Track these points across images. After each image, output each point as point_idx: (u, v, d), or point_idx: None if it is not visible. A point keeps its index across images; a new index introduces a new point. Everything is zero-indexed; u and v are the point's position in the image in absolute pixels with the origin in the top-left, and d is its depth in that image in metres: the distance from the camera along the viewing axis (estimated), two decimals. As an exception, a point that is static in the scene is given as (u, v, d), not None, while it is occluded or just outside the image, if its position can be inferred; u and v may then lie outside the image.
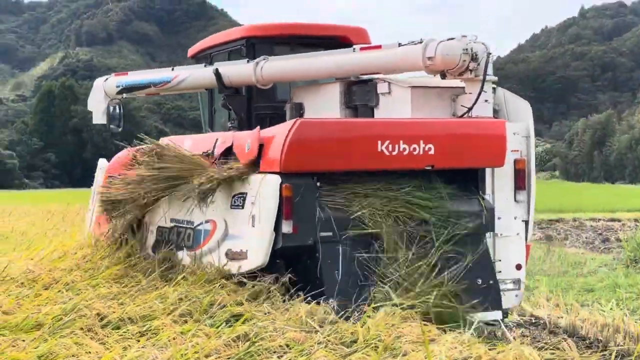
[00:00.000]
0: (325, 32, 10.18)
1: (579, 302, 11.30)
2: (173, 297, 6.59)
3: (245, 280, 7.21)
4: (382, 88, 8.56)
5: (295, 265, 7.30)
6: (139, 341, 5.55)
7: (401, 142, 7.39)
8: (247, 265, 7.23)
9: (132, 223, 8.98)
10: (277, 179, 7.08)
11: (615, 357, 7.99)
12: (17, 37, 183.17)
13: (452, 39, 7.93)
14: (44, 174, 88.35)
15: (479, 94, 7.96)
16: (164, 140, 9.30)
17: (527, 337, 9.19)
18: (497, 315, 7.69)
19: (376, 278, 7.11)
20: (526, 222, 8.37)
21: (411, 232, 7.35)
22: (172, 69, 10.42)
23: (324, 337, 5.70)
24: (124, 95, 11.14)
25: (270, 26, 10.44)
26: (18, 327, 5.74)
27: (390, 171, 7.59)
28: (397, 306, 6.52)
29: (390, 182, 7.60)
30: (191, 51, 11.26)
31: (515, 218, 8.28)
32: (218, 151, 7.95)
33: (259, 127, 7.73)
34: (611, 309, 10.80)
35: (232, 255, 7.42)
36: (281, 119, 9.22)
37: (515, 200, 8.25)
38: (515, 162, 8.21)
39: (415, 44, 8.02)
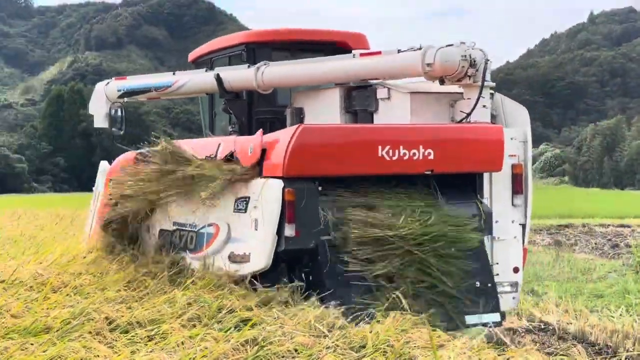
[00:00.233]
0: (324, 37, 10.33)
1: (588, 307, 11.28)
2: (182, 302, 6.60)
3: (255, 284, 7.28)
4: (381, 93, 8.67)
5: (296, 269, 7.41)
6: (147, 345, 5.55)
7: (401, 147, 7.52)
8: (250, 268, 7.35)
9: (135, 223, 9.07)
10: (280, 183, 7.20)
11: (625, 363, 7.97)
12: (27, 42, 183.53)
13: (450, 45, 8.05)
14: (53, 178, 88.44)
15: (477, 99, 8.10)
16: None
17: (537, 342, 9.16)
18: (495, 317, 7.77)
19: (379, 281, 7.18)
20: (523, 226, 8.53)
21: (411, 235, 7.41)
22: (174, 74, 10.56)
23: (333, 342, 5.69)
24: (125, 99, 11.22)
25: (270, 32, 10.65)
26: (27, 331, 5.74)
27: (390, 176, 7.70)
28: (405, 311, 6.56)
29: (391, 187, 7.71)
30: (191, 56, 11.40)
31: (512, 222, 8.45)
32: (221, 155, 8.03)
33: (261, 130, 7.81)
34: (621, 315, 10.78)
35: (234, 258, 7.53)
36: (282, 123, 9.36)
37: (512, 204, 8.42)
38: (513, 166, 8.39)
39: (414, 50, 8.15)
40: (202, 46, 11.26)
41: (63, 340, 5.47)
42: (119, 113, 11.09)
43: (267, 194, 7.25)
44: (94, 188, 11.33)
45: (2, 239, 15.84)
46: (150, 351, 5.38)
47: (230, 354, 5.36)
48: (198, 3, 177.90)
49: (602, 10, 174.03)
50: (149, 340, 5.70)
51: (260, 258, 7.26)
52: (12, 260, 9.20)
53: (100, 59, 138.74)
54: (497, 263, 8.28)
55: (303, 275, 7.39)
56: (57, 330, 5.73)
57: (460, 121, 8.26)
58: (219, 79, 9.60)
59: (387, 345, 5.66)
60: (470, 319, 7.51)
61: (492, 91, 8.44)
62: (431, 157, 7.64)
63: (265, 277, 7.33)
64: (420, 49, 8.10)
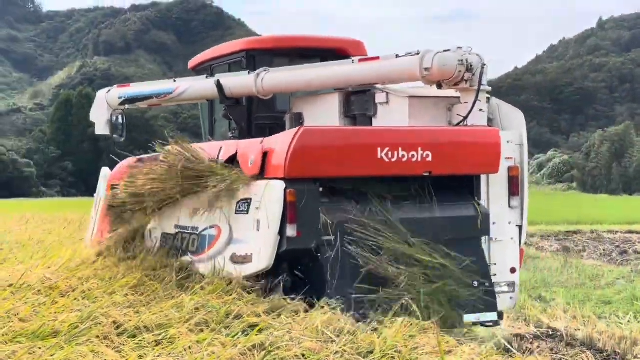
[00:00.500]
0: (323, 44, 10.52)
1: (596, 314, 11.26)
2: (189, 307, 6.60)
3: (259, 288, 7.38)
4: (380, 98, 8.84)
5: (297, 269, 7.53)
6: (154, 350, 5.55)
7: (400, 149, 7.65)
8: (252, 268, 7.46)
9: (140, 226, 9.15)
10: (281, 184, 7.33)
11: (633, 370, 7.96)
12: (36, 47, 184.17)
13: (447, 50, 8.22)
14: (61, 183, 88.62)
15: (474, 103, 8.28)
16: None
17: (545, 349, 9.15)
18: (492, 316, 7.94)
19: (380, 282, 7.29)
20: (520, 227, 8.68)
21: (411, 235, 7.59)
22: (174, 81, 10.72)
23: (340, 347, 5.69)
24: (127, 106, 11.37)
25: (269, 39, 10.95)
26: (35, 335, 5.74)
27: (389, 177, 7.83)
28: (413, 316, 6.63)
29: (390, 188, 7.85)
30: (191, 63, 11.56)
31: (509, 223, 8.60)
32: (223, 158, 8.21)
33: (262, 139, 7.92)
34: (629, 321, 10.76)
35: (237, 259, 7.63)
36: (281, 128, 9.43)
37: (509, 206, 8.57)
38: (509, 169, 8.54)
39: (412, 55, 8.31)
40: (201, 54, 11.43)
41: (71, 345, 5.47)
42: (120, 120, 11.26)
43: (269, 195, 7.36)
44: (95, 194, 11.42)
45: (11, 243, 15.88)
46: (158, 356, 5.38)
47: (237, 359, 5.36)
48: (206, 8, 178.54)
49: (611, 16, 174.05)
50: (157, 345, 5.70)
51: (263, 258, 7.36)
52: (20, 265, 9.22)
53: (109, 64, 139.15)
54: (495, 264, 8.43)
55: (304, 275, 7.52)
56: (65, 335, 5.73)
57: (458, 124, 8.42)
58: (219, 85, 9.76)
59: (395, 351, 5.66)
60: (468, 318, 7.68)
61: (488, 95, 8.58)
62: (429, 159, 7.77)
63: (267, 278, 7.44)
64: (418, 54, 8.26)
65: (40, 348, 5.43)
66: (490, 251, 8.43)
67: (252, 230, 7.50)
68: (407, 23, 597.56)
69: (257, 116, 10.04)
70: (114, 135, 11.31)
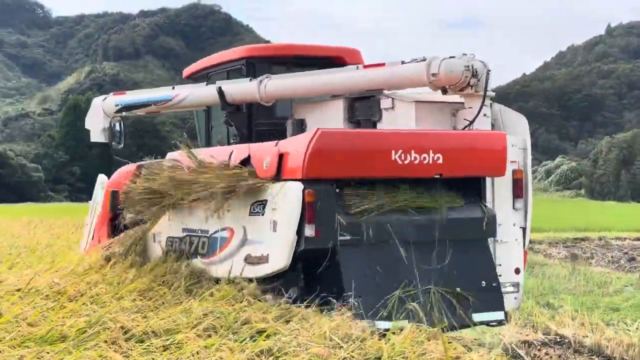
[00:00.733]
0: (320, 52, 10.70)
1: (604, 321, 11.22)
2: (198, 312, 6.61)
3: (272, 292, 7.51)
4: (385, 103, 9.01)
5: (312, 269, 7.64)
6: (162, 355, 5.55)
7: (413, 151, 7.84)
8: (269, 268, 7.62)
9: (144, 231, 9.22)
10: (299, 185, 7.47)
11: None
12: (45, 52, 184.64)
13: (453, 57, 8.42)
14: (69, 187, 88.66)
15: (480, 108, 8.52)
16: (171, 155, 9.56)
17: (552, 356, 9.13)
18: (499, 315, 8.14)
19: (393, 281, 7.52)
20: (524, 229, 8.93)
21: (421, 236, 7.84)
22: (173, 88, 10.81)
23: (348, 353, 5.68)
24: (124, 113, 11.45)
25: (269, 47, 11.36)
26: (43, 340, 5.75)
27: (401, 179, 8.02)
28: (421, 322, 6.71)
29: (402, 189, 8.03)
30: (187, 72, 11.69)
31: (513, 225, 8.84)
32: (234, 162, 8.31)
33: (277, 142, 8.06)
34: (637, 328, 10.72)
35: (251, 260, 7.77)
36: (281, 134, 9.65)
37: (513, 208, 8.82)
38: (514, 172, 8.77)
39: (418, 61, 8.52)
40: (197, 62, 11.56)
41: (79, 349, 5.48)
42: (118, 127, 11.31)
43: (287, 196, 7.51)
44: (90, 201, 11.47)
45: (19, 248, 15.92)
46: (166, 360, 5.38)
47: (245, 364, 5.36)
48: (215, 14, 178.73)
49: (620, 22, 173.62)
50: (164, 350, 5.71)
51: (280, 258, 7.51)
52: (28, 269, 9.23)
53: (118, 69, 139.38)
54: (500, 265, 8.61)
55: (319, 274, 7.61)
56: (73, 339, 5.74)
57: (463, 129, 8.63)
58: (221, 92, 9.79)
59: (403, 357, 5.66)
60: (477, 317, 7.89)
61: (491, 101, 8.79)
62: (440, 161, 7.98)
63: (282, 277, 7.59)
64: (424, 60, 8.45)
65: (48, 352, 5.44)
66: (496, 252, 8.60)
67: (268, 231, 7.65)
68: (416, 29, 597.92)
69: (257, 122, 10.17)
70: (113, 143, 11.37)
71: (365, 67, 9.00)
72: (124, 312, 6.64)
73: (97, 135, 11.68)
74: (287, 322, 6.59)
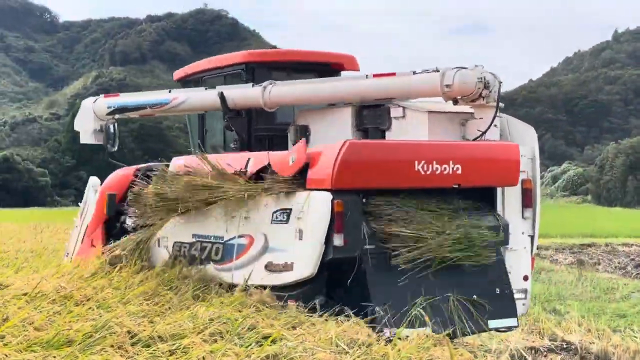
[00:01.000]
0: (318, 58, 10.80)
1: (611, 327, 11.22)
2: (204, 317, 6.61)
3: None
4: (395, 112, 9.08)
5: (337, 277, 7.79)
6: (168, 359, 5.55)
7: (434, 162, 7.99)
8: (294, 276, 7.73)
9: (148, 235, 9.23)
10: (328, 195, 7.61)
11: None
12: (52, 56, 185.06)
13: (464, 68, 8.54)
14: (76, 192, 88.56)
15: (493, 118, 8.68)
16: (175, 161, 9.56)
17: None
18: (513, 322, 8.33)
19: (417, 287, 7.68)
20: (532, 237, 9.08)
21: (441, 244, 7.89)
22: (169, 92, 10.73)
23: (354, 359, 5.67)
24: (116, 115, 11.30)
25: (268, 52, 11.55)
26: (49, 344, 5.75)
27: (422, 189, 8.17)
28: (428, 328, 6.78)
29: (422, 199, 8.17)
30: (178, 74, 11.66)
31: (522, 233, 8.98)
32: (252, 170, 8.36)
33: (304, 140, 8.22)
34: (644, 335, 10.69)
35: (273, 267, 7.88)
36: (281, 140, 9.79)
37: (522, 217, 8.96)
38: (523, 182, 8.91)
39: (429, 72, 8.63)
40: (189, 65, 11.58)
41: (85, 354, 5.48)
42: (112, 130, 11.19)
43: (315, 205, 7.64)
44: (80, 204, 11.42)
45: (25, 252, 15.95)
46: (172, 365, 5.38)
47: (251, 370, 5.36)
48: (221, 19, 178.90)
49: (627, 28, 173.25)
50: (171, 355, 5.71)
51: (306, 266, 7.63)
52: (35, 274, 9.24)
53: (124, 74, 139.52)
54: (510, 272, 8.65)
55: (344, 283, 7.75)
56: (80, 344, 5.74)
57: (475, 139, 8.77)
58: (222, 96, 9.78)
59: (409, 363, 5.65)
60: (492, 324, 8.06)
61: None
62: (459, 172, 8.15)
63: (307, 285, 7.71)
64: (436, 70, 8.54)
65: (54, 357, 5.44)
66: (506, 260, 8.68)
67: (293, 240, 7.75)
68: (421, 36, 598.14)
69: (257, 128, 10.19)
70: (107, 145, 11.28)
71: (374, 76, 9.04)
72: (131, 317, 6.64)
73: (87, 137, 11.58)
74: (294, 327, 6.58)
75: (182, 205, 8.78)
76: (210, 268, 8.54)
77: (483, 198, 8.60)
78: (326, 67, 10.49)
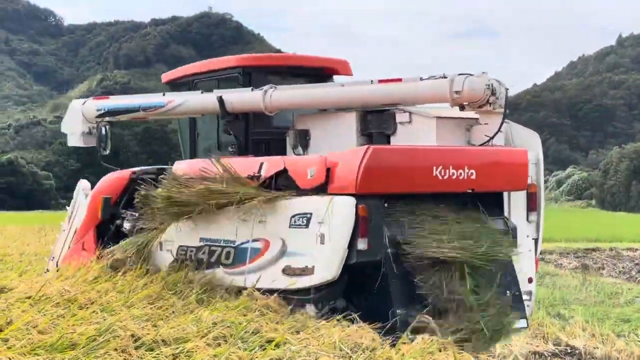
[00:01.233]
0: (313, 63, 10.91)
1: (615, 332, 11.21)
2: (208, 321, 6.61)
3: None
4: (401, 117, 9.13)
5: (357, 281, 7.88)
6: (172, 363, 5.55)
7: (451, 167, 8.13)
8: (315, 279, 7.78)
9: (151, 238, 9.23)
10: (352, 200, 7.69)
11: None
12: (56, 60, 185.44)
13: (471, 74, 8.62)
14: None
15: (501, 124, 8.78)
16: (178, 165, 9.54)
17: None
18: (523, 323, 8.44)
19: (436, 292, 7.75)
20: (536, 240, 9.23)
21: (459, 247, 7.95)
22: (164, 94, 10.65)
23: (358, 363, 5.67)
24: (106, 118, 11.19)
25: (264, 57, 11.65)
26: (53, 347, 5.75)
27: (438, 194, 8.29)
28: (436, 333, 6.83)
29: (438, 204, 8.29)
30: (167, 77, 11.60)
31: (527, 236, 9.11)
32: (266, 174, 8.42)
33: (321, 155, 8.24)
34: (648, 340, 10.68)
35: (292, 271, 7.93)
36: (278, 144, 9.85)
37: (527, 221, 9.11)
38: (528, 186, 8.99)
39: (436, 78, 8.72)
40: (178, 68, 11.55)
41: (89, 357, 5.49)
42: (104, 132, 11.11)
43: (339, 210, 7.70)
44: (69, 207, 11.36)
45: (29, 255, 15.97)
46: (175, 369, 5.37)
47: (254, 373, 5.35)
48: (226, 23, 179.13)
49: (631, 32, 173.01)
50: (174, 358, 5.71)
51: (328, 270, 7.70)
52: (39, 277, 9.24)
53: (129, 77, 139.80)
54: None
55: (365, 287, 7.84)
56: (83, 347, 5.74)
57: (483, 144, 8.87)
58: (221, 100, 9.77)
59: (413, 367, 5.64)
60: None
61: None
62: (473, 177, 8.27)
63: (327, 288, 7.78)
64: (444, 77, 8.64)
65: (58, 360, 5.44)
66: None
67: (314, 244, 7.79)
68: (424, 39, 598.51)
69: (254, 131, 10.20)
70: (100, 149, 11.20)
71: (380, 81, 9.07)
72: (134, 320, 6.63)
73: (75, 139, 11.48)
74: (298, 332, 6.58)
75: (195, 208, 8.72)
76: (220, 272, 8.53)
77: (492, 202, 8.69)
78: (320, 71, 10.62)
